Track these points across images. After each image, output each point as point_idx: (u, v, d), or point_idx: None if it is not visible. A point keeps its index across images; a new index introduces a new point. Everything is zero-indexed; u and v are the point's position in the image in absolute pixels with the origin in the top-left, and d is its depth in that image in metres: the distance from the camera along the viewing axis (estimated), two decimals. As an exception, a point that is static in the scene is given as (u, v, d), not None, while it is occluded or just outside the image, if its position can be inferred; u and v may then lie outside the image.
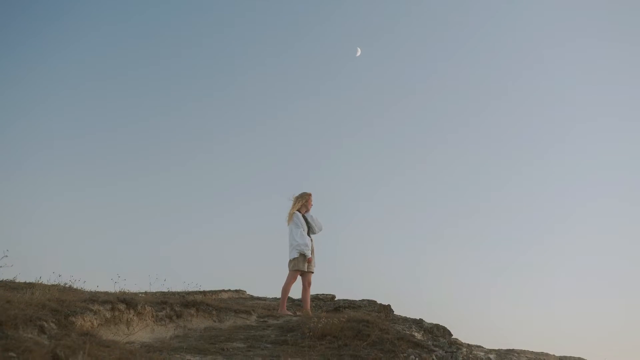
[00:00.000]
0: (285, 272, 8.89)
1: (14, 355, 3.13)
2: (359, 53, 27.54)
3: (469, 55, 31.64)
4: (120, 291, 8.41)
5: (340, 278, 8.76)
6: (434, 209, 29.79)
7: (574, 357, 10.06)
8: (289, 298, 12.66)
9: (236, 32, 31.95)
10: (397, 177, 30.98)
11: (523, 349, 9.86)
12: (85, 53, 29.65)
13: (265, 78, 32.03)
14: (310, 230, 8.95)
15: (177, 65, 31.78)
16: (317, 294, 12.02)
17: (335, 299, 11.21)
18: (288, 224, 9.04)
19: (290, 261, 8.76)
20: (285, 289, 8.75)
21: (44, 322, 4.63)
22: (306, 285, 8.91)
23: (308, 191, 9.20)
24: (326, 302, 11.36)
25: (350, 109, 32.05)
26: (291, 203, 9.13)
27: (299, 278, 8.92)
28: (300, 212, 8.97)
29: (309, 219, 9.02)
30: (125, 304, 6.73)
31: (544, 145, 31.65)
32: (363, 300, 11.34)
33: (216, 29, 31.88)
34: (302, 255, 8.66)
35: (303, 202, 9.05)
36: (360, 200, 26.98)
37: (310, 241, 8.82)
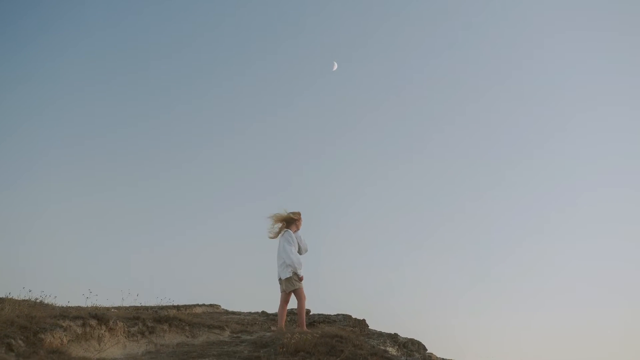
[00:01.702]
0: (269, 285, 8.66)
1: (-20, 374, 3.08)
2: (335, 67, 27.73)
3: (457, 53, 32.03)
4: (92, 306, 8.29)
5: (315, 292, 8.65)
6: (409, 221, 29.92)
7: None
8: (264, 312, 12.62)
9: (223, 39, 32.00)
10: (370, 190, 31.08)
11: (498, 363, 9.95)
12: (82, 56, 29.44)
13: (243, 89, 32.05)
14: (297, 250, 8.81)
15: (155, 74, 31.65)
16: (292, 309, 11.99)
17: (310, 313, 11.19)
18: (272, 237, 8.90)
19: (285, 281, 8.55)
20: (302, 308, 8.51)
21: (12, 340, 4.57)
22: (285, 302, 8.77)
23: (297, 210, 9.09)
24: (301, 317, 11.31)
25: (325, 121, 32.21)
26: (277, 216, 8.96)
27: (280, 294, 8.75)
28: (290, 230, 8.86)
29: (298, 239, 8.89)
30: (96, 319, 6.66)
31: (523, 153, 32.05)
32: (338, 314, 11.34)
33: (202, 38, 31.88)
34: (296, 275, 8.53)
35: (294, 220, 8.95)
36: (334, 213, 26.99)
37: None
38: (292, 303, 8.87)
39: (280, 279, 8.65)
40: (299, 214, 9.04)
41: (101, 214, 28.17)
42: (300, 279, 8.54)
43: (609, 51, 29.44)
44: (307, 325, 8.73)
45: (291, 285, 8.48)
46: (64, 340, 5.78)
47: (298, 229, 9.00)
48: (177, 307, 11.69)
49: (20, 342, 4.67)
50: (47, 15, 27.88)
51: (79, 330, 6.26)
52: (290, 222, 8.94)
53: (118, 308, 9.29)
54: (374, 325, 10.84)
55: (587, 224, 29.32)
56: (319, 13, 32.13)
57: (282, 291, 8.65)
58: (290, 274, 8.49)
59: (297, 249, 8.75)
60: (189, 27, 31.77)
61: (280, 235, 8.87)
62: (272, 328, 9.22)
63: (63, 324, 5.97)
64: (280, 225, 8.94)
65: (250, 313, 12.74)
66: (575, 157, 30.93)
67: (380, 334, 9.62)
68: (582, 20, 28.95)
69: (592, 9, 28.67)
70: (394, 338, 9.19)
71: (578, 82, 30.63)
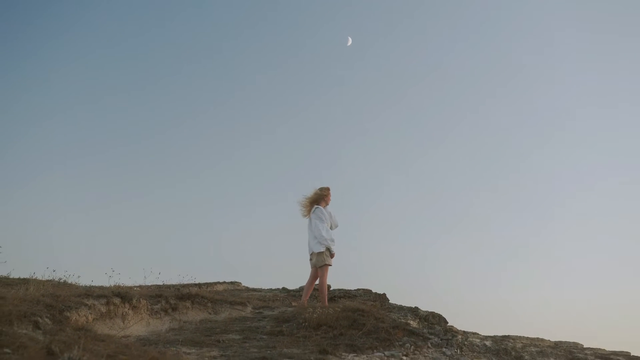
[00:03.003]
0: (289, 262, 8.72)
1: (9, 351, 3.12)
2: (350, 42, 27.45)
3: (477, 43, 31.58)
4: (115, 285, 8.39)
5: (335, 268, 8.63)
6: (429, 198, 29.86)
7: (569, 342, 10.12)
8: (285, 289, 12.69)
9: (239, 36, 31.87)
10: (393, 169, 31.01)
11: (519, 335, 9.92)
12: (96, 60, 29.61)
13: (260, 79, 31.95)
14: (329, 226, 8.80)
15: (171, 73, 31.66)
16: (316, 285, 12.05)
17: (331, 288, 11.24)
18: (305, 215, 8.90)
19: (317, 255, 8.55)
20: (324, 284, 8.52)
21: (39, 318, 4.62)
22: (314, 278, 8.78)
23: (326, 185, 9.07)
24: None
25: (345, 110, 32.03)
26: (309, 194, 8.96)
27: (310, 269, 8.78)
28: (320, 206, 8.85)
29: (329, 215, 8.88)
30: (120, 297, 6.73)
31: (541, 139, 31.68)
32: (358, 289, 11.37)
33: (215, 35, 31.78)
34: (328, 250, 8.54)
35: (322, 195, 8.93)
36: (356, 191, 27.00)
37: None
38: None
39: (312, 253, 8.65)
40: (327, 189, 9.01)
41: (125, 197, 28.50)
42: (332, 256, 8.56)
43: (611, 51, 28.90)
44: (327, 301, 8.75)
45: (322, 260, 8.48)
46: (89, 318, 5.85)
47: (327, 204, 8.98)
48: (199, 285, 11.81)
49: (46, 320, 4.73)
50: (61, 21, 27.95)
51: (103, 309, 6.34)
52: (319, 198, 8.93)
53: (140, 286, 9.40)
54: (394, 299, 10.86)
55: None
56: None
57: (313, 266, 8.68)
58: (323, 249, 8.50)
59: (328, 224, 8.75)
60: (209, 17, 31.59)
61: (311, 212, 8.85)
62: (294, 304, 9.27)
63: (87, 303, 6.05)
64: (309, 203, 8.93)
65: (271, 290, 12.82)
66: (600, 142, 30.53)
67: (401, 308, 9.62)
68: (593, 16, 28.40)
69: (594, 9, 28.14)
70: (414, 312, 9.18)
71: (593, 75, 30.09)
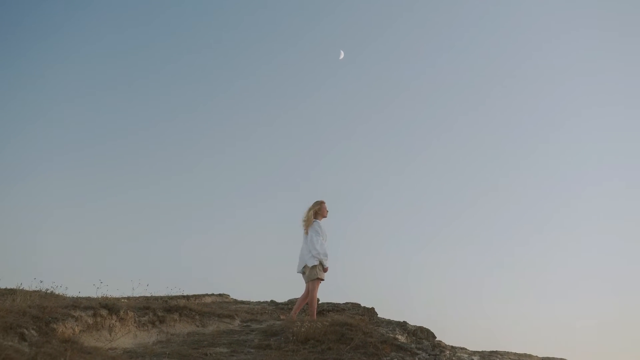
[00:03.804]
0: (278, 275, 8.72)
1: (-6, 363, 3.11)
2: (342, 56, 27.64)
3: (462, 49, 31.85)
4: (102, 297, 8.35)
5: (324, 281, 8.63)
6: (418, 210, 29.92)
7: (557, 358, 10.18)
8: (273, 302, 12.67)
9: (231, 36, 31.94)
10: (381, 179, 31.08)
11: (507, 351, 9.97)
12: (88, 59, 29.56)
13: (249, 84, 32.01)
14: (324, 240, 8.82)
15: (169, 74, 31.69)
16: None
17: (319, 302, 11.23)
18: (305, 231, 8.91)
19: (310, 269, 8.53)
20: (314, 298, 8.51)
21: (25, 330, 4.59)
22: (307, 293, 8.79)
23: (321, 199, 9.10)
24: (310, 306, 11.35)
25: (336, 113, 32.15)
26: (308, 210, 9.00)
27: (304, 283, 8.77)
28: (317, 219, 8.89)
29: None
30: (107, 309, 6.69)
31: (531, 145, 31.89)
32: (347, 303, 11.37)
33: (210, 36, 31.86)
34: (321, 264, 8.55)
35: (317, 209, 8.97)
36: (343, 203, 27.00)
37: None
38: (298, 292, 8.85)
39: (305, 266, 8.65)
40: (320, 202, 9.05)
41: (111, 207, 28.35)
42: (325, 270, 8.57)
43: (610, 50, 29.27)
44: (316, 314, 8.74)
45: (314, 274, 8.48)
46: (76, 330, 5.81)
47: (324, 217, 9.03)
48: (187, 297, 11.76)
49: (32, 331, 4.70)
50: (53, 19, 27.96)
51: (90, 321, 6.29)
52: (317, 212, 8.98)
53: (128, 298, 9.35)
54: (382, 314, 10.87)
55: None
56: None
57: (306, 281, 8.68)
58: (317, 262, 8.51)
59: (324, 239, 8.77)
60: (200, 19, 31.69)
61: (310, 226, 8.87)
62: (282, 317, 9.25)
63: (74, 314, 6.01)
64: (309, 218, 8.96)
65: (259, 302, 12.79)
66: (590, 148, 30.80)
67: (390, 322, 9.63)
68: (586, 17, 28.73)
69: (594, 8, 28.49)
70: (403, 326, 9.19)
71: (587, 74, 30.37)
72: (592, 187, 30.14)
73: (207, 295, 13.06)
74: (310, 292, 8.53)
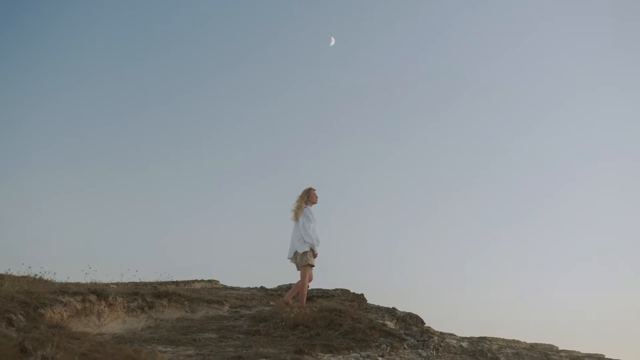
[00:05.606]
0: (268, 261, 8.72)
1: (-19, 348, 3.08)
2: (332, 42, 27.53)
3: (453, 37, 31.79)
4: (91, 282, 8.32)
5: (314, 267, 8.65)
6: (407, 198, 30.00)
7: (544, 344, 10.26)
8: (263, 288, 12.68)
9: (221, 26, 31.69)
10: (369, 166, 31.11)
11: (495, 337, 10.04)
12: (78, 51, 29.24)
13: (236, 71, 31.83)
14: (315, 226, 8.82)
15: (156, 63, 31.41)
16: (291, 284, 12.06)
17: (309, 288, 11.24)
18: (295, 219, 8.90)
19: (301, 255, 8.55)
20: (305, 284, 8.51)
21: (12, 315, 4.57)
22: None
23: (310, 186, 9.09)
24: (300, 292, 11.36)
25: (324, 100, 32.05)
26: (298, 198, 8.99)
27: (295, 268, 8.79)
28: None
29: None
30: (96, 295, 6.68)
31: (509, 140, 31.97)
32: (336, 289, 11.39)
33: (201, 24, 31.59)
34: (312, 250, 8.56)
35: (308, 196, 8.96)
36: (333, 189, 27.00)
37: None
38: (289, 278, 8.87)
39: (296, 252, 8.65)
40: (309, 189, 9.04)
41: (100, 193, 28.24)
42: (315, 256, 8.58)
43: (601, 38, 29.29)
44: (306, 300, 8.77)
45: (305, 260, 8.49)
46: (64, 316, 5.79)
47: (315, 203, 9.02)
48: (176, 283, 11.74)
49: (20, 317, 4.68)
50: (45, 12, 27.61)
51: (79, 306, 6.28)
52: (307, 199, 8.98)
53: (117, 284, 9.33)
54: (372, 300, 10.91)
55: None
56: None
57: (297, 268, 8.68)
58: (307, 249, 8.52)
59: (315, 225, 8.77)
60: (188, 5, 31.39)
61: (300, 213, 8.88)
62: (271, 303, 9.26)
63: (63, 300, 5.99)
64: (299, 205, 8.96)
65: (249, 288, 12.79)
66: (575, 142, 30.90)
67: (379, 308, 9.67)
68: (574, 6, 28.72)
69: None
70: (392, 312, 9.23)
71: (579, 64, 30.42)
72: (585, 181, 30.32)
73: (196, 281, 13.04)
74: (301, 279, 8.54)
